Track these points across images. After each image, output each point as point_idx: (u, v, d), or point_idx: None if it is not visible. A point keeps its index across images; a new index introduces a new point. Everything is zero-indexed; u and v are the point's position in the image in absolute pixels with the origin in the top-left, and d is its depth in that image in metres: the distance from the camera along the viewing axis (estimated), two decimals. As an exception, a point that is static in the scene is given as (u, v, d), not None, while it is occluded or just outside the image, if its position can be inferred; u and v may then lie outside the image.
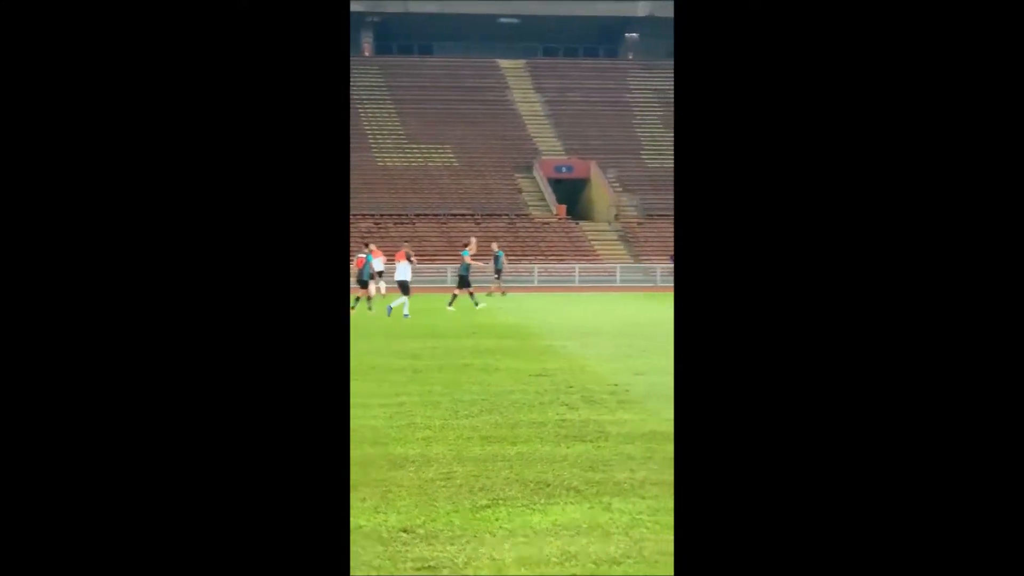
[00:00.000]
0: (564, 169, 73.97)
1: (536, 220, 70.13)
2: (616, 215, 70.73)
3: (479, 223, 67.12)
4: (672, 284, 57.12)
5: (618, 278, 62.77)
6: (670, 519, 6.32)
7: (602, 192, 72.20)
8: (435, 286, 45.22)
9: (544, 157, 75.06)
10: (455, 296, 32.30)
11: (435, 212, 67.34)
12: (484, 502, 6.77)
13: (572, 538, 5.94)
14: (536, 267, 62.10)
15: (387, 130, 70.63)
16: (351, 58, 65.16)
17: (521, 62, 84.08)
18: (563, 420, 10.07)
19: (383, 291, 32.67)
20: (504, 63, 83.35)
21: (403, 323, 25.12)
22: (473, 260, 33.22)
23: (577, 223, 70.71)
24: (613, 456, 8.28)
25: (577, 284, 60.32)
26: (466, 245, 33.96)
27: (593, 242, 68.81)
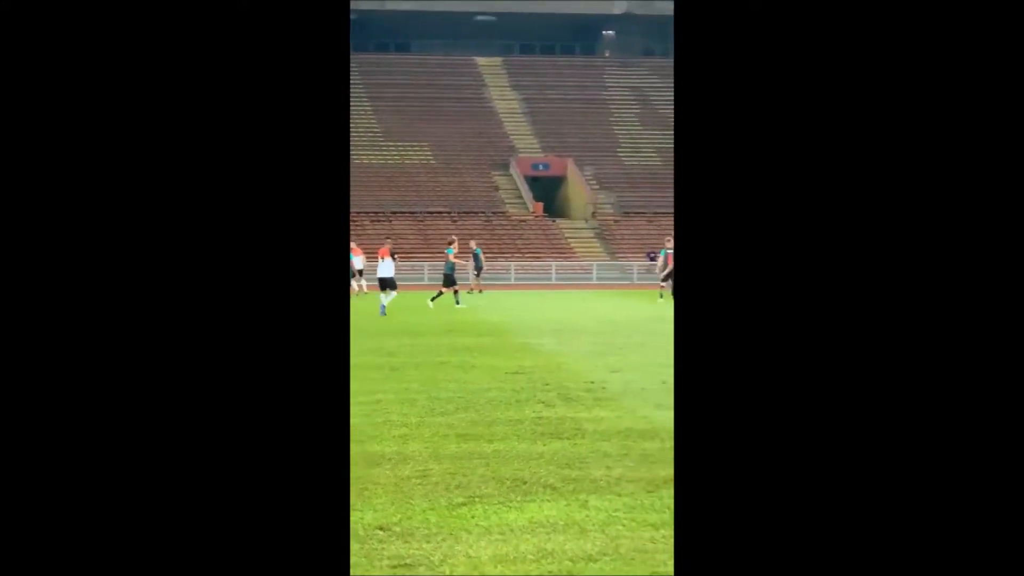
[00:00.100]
0: (541, 167, 74.00)
1: (513, 217, 70.15)
2: (593, 213, 70.79)
3: (456, 221, 67.09)
4: (648, 282, 57.21)
5: (595, 276, 62.84)
6: (646, 516, 6.33)
7: (579, 190, 72.25)
8: (412, 284, 45.17)
9: (521, 155, 75.07)
10: (440, 293, 32.33)
11: (412, 210, 67.27)
12: (460, 500, 6.77)
13: (548, 535, 5.94)
14: (513, 265, 62.13)
15: (364, 127, 70.53)
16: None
17: (498, 59, 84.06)
18: (540, 417, 10.07)
19: (364, 289, 32.65)
20: (481, 60, 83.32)
21: (379, 320, 25.08)
22: (457, 259, 33.24)
23: (554, 220, 70.75)
24: (589, 453, 8.28)
25: (554, 281, 60.37)
26: (450, 243, 33.98)
27: (570, 240, 68.87)
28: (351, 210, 62.70)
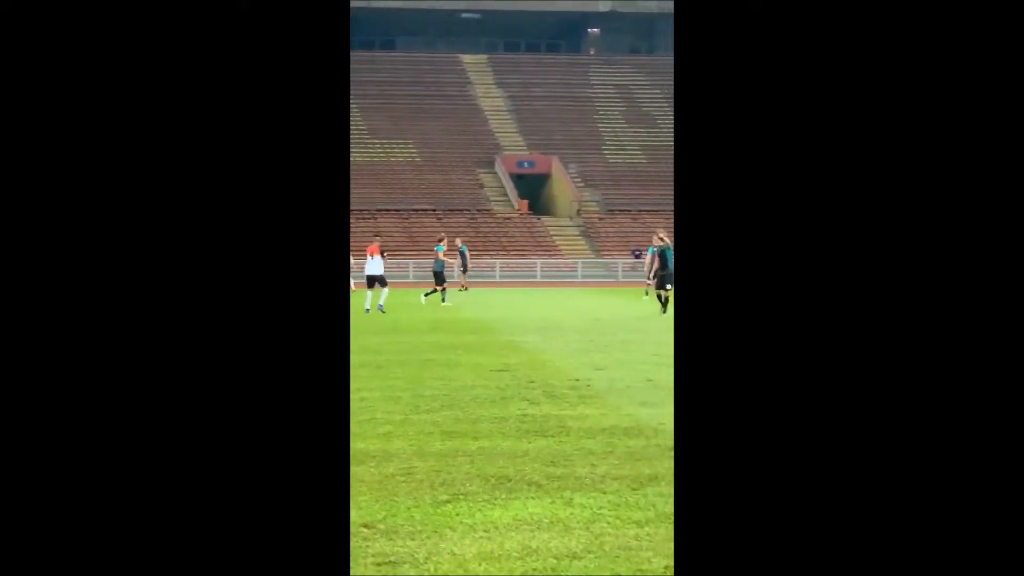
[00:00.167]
0: (526, 164, 74.04)
1: (498, 215, 70.15)
2: (578, 210, 70.83)
3: (441, 218, 67.07)
4: (632, 279, 57.25)
5: (579, 273, 62.90)
6: (631, 514, 6.33)
7: (564, 187, 72.29)
8: (397, 281, 45.14)
9: (506, 152, 75.08)
10: (435, 290, 32.39)
11: (397, 207, 67.24)
12: (445, 497, 6.76)
13: (533, 533, 5.94)
14: (498, 262, 62.14)
15: (349, 125, 70.46)
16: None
17: (483, 57, 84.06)
18: (524, 415, 10.07)
19: (352, 286, 32.61)
20: (466, 58, 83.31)
21: (364, 318, 25.07)
22: (446, 256, 33.28)
23: (539, 218, 70.77)
24: (574, 451, 8.28)
25: (539, 279, 60.40)
26: (440, 240, 34.00)
27: (555, 237, 68.90)
28: (336, 207, 62.87)
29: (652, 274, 27.39)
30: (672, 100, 78.79)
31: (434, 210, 67.68)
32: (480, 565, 5.37)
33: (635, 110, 79.65)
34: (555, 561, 5.43)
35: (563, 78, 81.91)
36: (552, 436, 8.94)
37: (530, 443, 8.63)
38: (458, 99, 78.67)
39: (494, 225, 68.50)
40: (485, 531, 5.99)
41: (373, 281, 28.67)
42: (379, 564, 5.36)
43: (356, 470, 7.49)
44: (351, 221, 62.62)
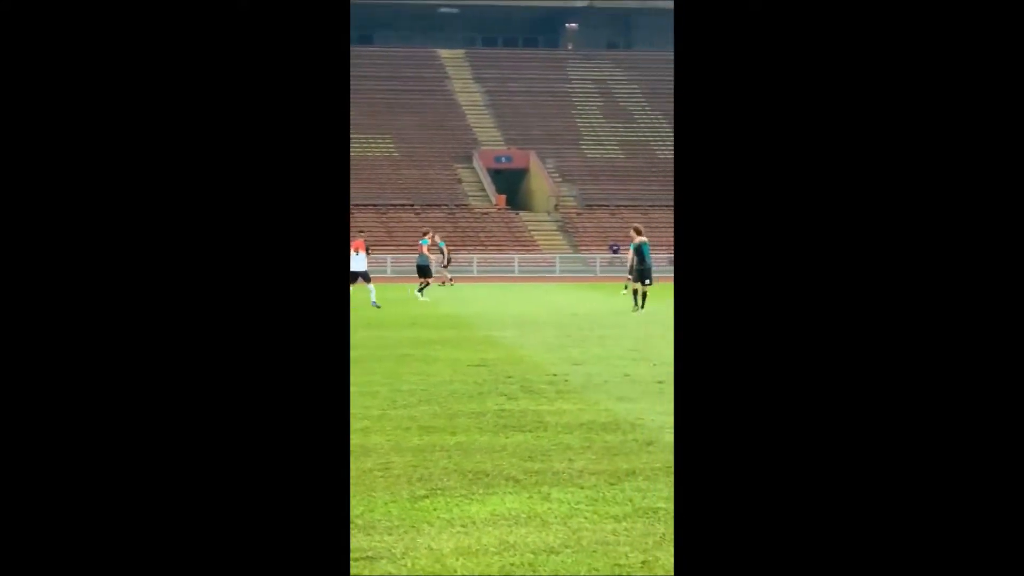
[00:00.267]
0: (503, 159, 74.04)
1: (476, 210, 70.15)
2: (556, 205, 70.87)
3: (419, 213, 67.02)
4: (610, 274, 57.31)
5: (557, 268, 62.94)
6: (608, 508, 6.34)
7: (541, 182, 72.31)
8: (375, 276, 45.07)
9: (484, 147, 75.07)
10: (427, 284, 32.42)
11: (374, 202, 67.14)
12: (422, 492, 6.76)
13: (510, 528, 5.94)
14: (475, 257, 62.13)
15: (326, 119, 70.33)
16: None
17: (461, 52, 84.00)
18: (502, 410, 10.08)
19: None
20: (444, 53, 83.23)
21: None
22: (430, 251, 33.28)
23: (516, 213, 70.79)
24: (552, 446, 8.29)
25: (516, 274, 60.42)
26: (425, 234, 34.02)
27: (532, 232, 68.92)
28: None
29: (630, 269, 27.44)
30: (649, 95, 78.77)
31: (412, 205, 67.62)
32: (457, 560, 5.37)
33: (613, 105, 79.71)
34: (532, 556, 5.43)
35: (541, 73, 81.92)
36: (529, 431, 8.94)
37: (507, 438, 8.64)
38: (436, 94, 78.60)
39: (472, 220, 68.49)
40: (462, 526, 5.99)
41: (357, 277, 28.66)
42: (356, 559, 5.36)
43: (333, 465, 7.48)
44: (328, 216, 62.69)
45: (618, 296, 32.64)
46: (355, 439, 8.52)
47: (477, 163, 73.35)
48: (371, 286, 28.64)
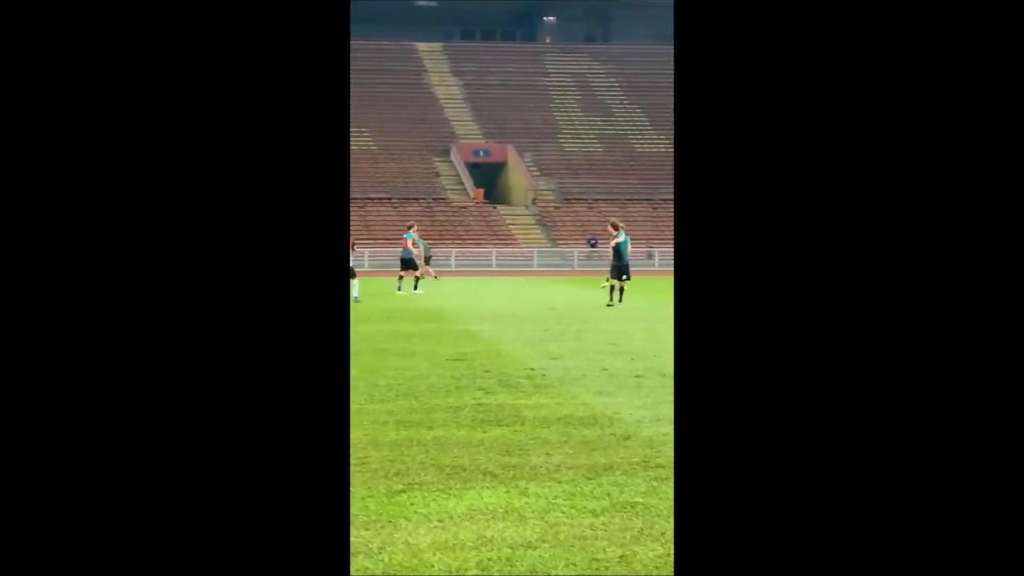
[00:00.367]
0: (481, 153, 74.03)
1: (453, 204, 70.12)
2: (533, 199, 70.89)
3: (396, 207, 66.97)
4: (588, 268, 57.39)
5: (535, 262, 62.97)
6: (585, 503, 6.34)
7: (519, 176, 72.32)
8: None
9: (461, 141, 75.04)
10: (418, 279, 32.41)
11: (352, 196, 67.05)
12: (399, 487, 6.75)
13: (487, 522, 5.94)
14: (453, 251, 62.11)
15: (303, 113, 70.27)
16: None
17: (438, 45, 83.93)
18: (479, 404, 10.07)
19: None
20: (421, 46, 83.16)
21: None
22: (414, 245, 33.25)
23: (494, 207, 70.79)
24: (529, 440, 8.29)
25: (494, 268, 60.44)
26: (410, 228, 33.99)
27: (510, 226, 68.94)
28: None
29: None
30: (627, 88, 78.95)
31: (390, 199, 67.55)
32: (435, 555, 5.37)
33: (591, 98, 79.75)
34: (510, 551, 5.43)
35: (519, 66, 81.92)
36: (507, 425, 8.94)
37: (485, 432, 8.63)
38: (414, 87, 78.51)
39: (450, 214, 68.45)
40: (440, 521, 5.98)
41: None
42: (333, 555, 5.35)
43: (310, 460, 7.46)
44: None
45: (596, 290, 32.67)
46: (332, 434, 8.51)
47: (455, 157, 73.32)
48: (355, 281, 28.65)
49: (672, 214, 71.17)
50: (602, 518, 6.01)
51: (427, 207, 67.95)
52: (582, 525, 5.88)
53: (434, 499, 6.46)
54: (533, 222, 69.32)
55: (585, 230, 66.44)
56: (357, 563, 5.25)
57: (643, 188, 70.74)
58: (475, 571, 5.15)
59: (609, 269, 27.76)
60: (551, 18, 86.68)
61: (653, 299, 29.16)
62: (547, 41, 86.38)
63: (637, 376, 12.14)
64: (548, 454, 7.75)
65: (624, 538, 5.63)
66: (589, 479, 6.95)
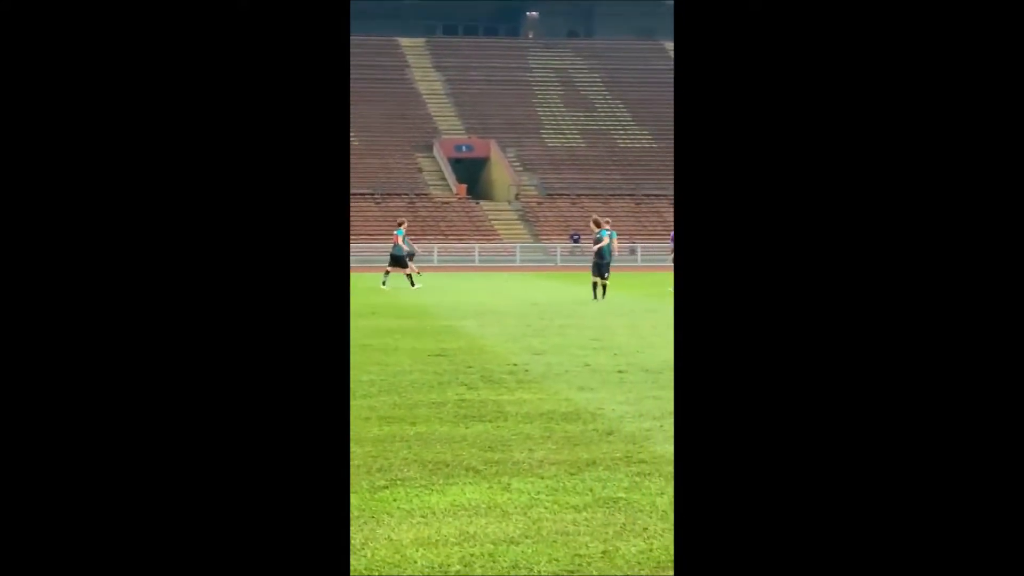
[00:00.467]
0: (464, 148, 73.99)
1: (436, 200, 70.09)
2: (516, 195, 70.89)
3: (379, 203, 66.91)
4: (571, 264, 57.38)
5: (518, 258, 62.96)
6: (568, 498, 6.35)
7: (502, 171, 72.32)
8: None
9: (444, 136, 74.99)
10: (411, 275, 32.38)
11: (334, 191, 66.86)
12: (382, 483, 6.75)
13: (470, 518, 5.94)
14: (436, 247, 62.08)
15: (286, 108, 70.07)
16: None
17: (421, 40, 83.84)
18: (462, 400, 10.07)
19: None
20: (404, 41, 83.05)
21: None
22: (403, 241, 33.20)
23: (477, 203, 70.78)
24: (512, 436, 8.29)
25: (477, 263, 60.42)
26: (400, 224, 33.93)
27: (493, 222, 68.93)
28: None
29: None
30: (610, 84, 78.90)
31: (372, 194, 67.45)
32: (417, 551, 5.37)
33: (573, 94, 79.75)
34: (492, 546, 5.43)
35: (501, 62, 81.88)
36: (490, 421, 8.94)
37: (468, 428, 8.63)
38: (396, 83, 78.42)
39: (432, 209, 68.41)
40: (422, 516, 5.98)
41: None
42: (316, 551, 5.34)
43: (293, 456, 7.45)
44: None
45: (579, 286, 32.67)
46: (315, 430, 8.50)
47: (438, 152, 73.26)
48: None
49: (654, 210, 71.10)
50: (584, 513, 6.02)
51: (410, 203, 67.89)
52: (564, 521, 5.88)
53: (417, 495, 6.46)
54: (516, 217, 69.32)
55: (568, 226, 66.46)
56: (339, 559, 5.25)
57: (625, 184, 70.80)
58: (458, 567, 5.15)
59: (591, 266, 27.84)
60: (534, 13, 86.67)
61: (636, 294, 29.19)
62: (530, 36, 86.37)
63: (620, 372, 12.16)
64: (531, 450, 7.75)
65: (606, 533, 5.64)
66: (571, 475, 6.96)
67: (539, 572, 5.09)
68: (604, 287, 26.80)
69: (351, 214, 61.81)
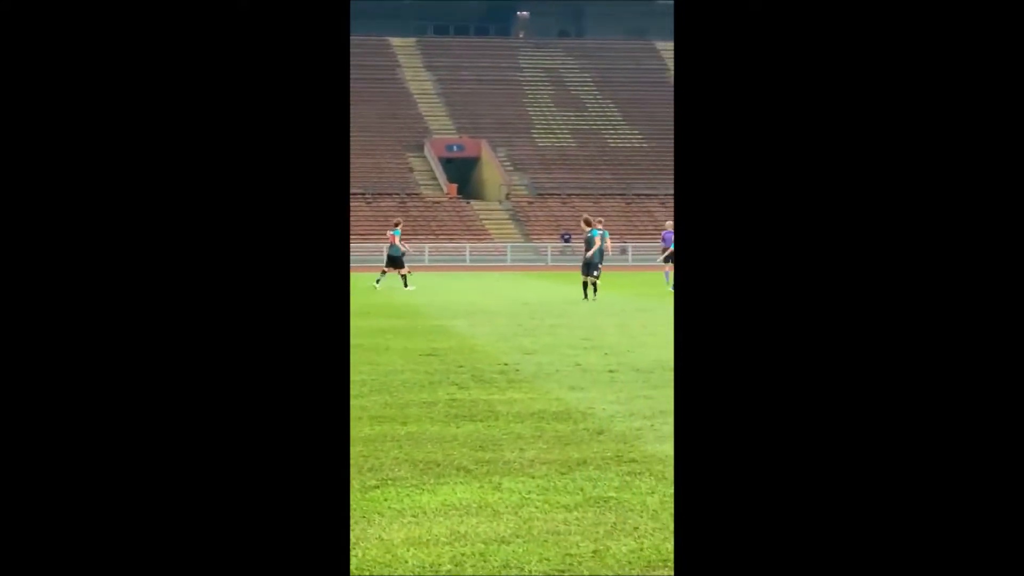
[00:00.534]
0: (455, 148, 73.98)
1: (427, 199, 70.08)
2: (507, 194, 70.90)
3: (370, 202, 66.89)
4: (562, 264, 57.39)
5: (509, 257, 62.96)
6: (559, 498, 6.35)
7: (493, 171, 72.32)
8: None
9: (435, 136, 74.98)
10: (404, 276, 32.38)
11: (325, 191, 66.84)
12: (373, 482, 6.75)
13: (461, 518, 5.94)
14: (427, 246, 62.05)
15: (276, 108, 70.03)
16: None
17: (412, 40, 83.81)
18: (453, 400, 10.07)
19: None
20: (395, 41, 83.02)
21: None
22: (401, 241, 33.18)
23: (468, 202, 70.77)
24: (503, 435, 8.29)
25: (468, 263, 60.42)
26: (396, 225, 33.91)
27: (484, 221, 68.93)
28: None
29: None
30: (600, 83, 78.85)
31: (363, 194, 67.41)
32: (408, 550, 5.37)
33: (564, 94, 79.76)
34: (483, 546, 5.44)
35: (492, 61, 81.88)
36: (481, 421, 8.95)
37: (459, 428, 8.63)
38: (387, 82, 78.38)
39: (423, 209, 68.38)
40: (413, 516, 5.98)
41: None
42: (307, 550, 5.34)
43: (284, 456, 7.45)
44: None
45: (570, 285, 32.68)
46: (306, 429, 8.50)
47: (428, 152, 73.24)
48: None
49: (645, 209, 71.06)
50: (575, 513, 6.02)
51: (400, 202, 67.85)
52: (555, 520, 5.89)
53: (407, 495, 6.46)
54: (507, 217, 69.32)
55: (559, 225, 66.47)
56: (330, 559, 5.25)
57: (616, 183, 70.80)
58: (448, 566, 5.16)
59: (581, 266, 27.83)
60: (525, 13, 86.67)
61: (626, 294, 29.21)
62: (520, 36, 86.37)
63: (610, 371, 12.16)
64: (521, 449, 7.76)
65: (597, 533, 5.64)
66: (562, 474, 6.96)
67: (530, 571, 5.09)
68: (595, 286, 26.77)
69: (342, 214, 61.51)
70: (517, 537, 5.58)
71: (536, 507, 6.16)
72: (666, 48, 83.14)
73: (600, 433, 8.36)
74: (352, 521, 5.84)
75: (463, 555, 5.31)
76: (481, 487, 6.64)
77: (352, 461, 7.31)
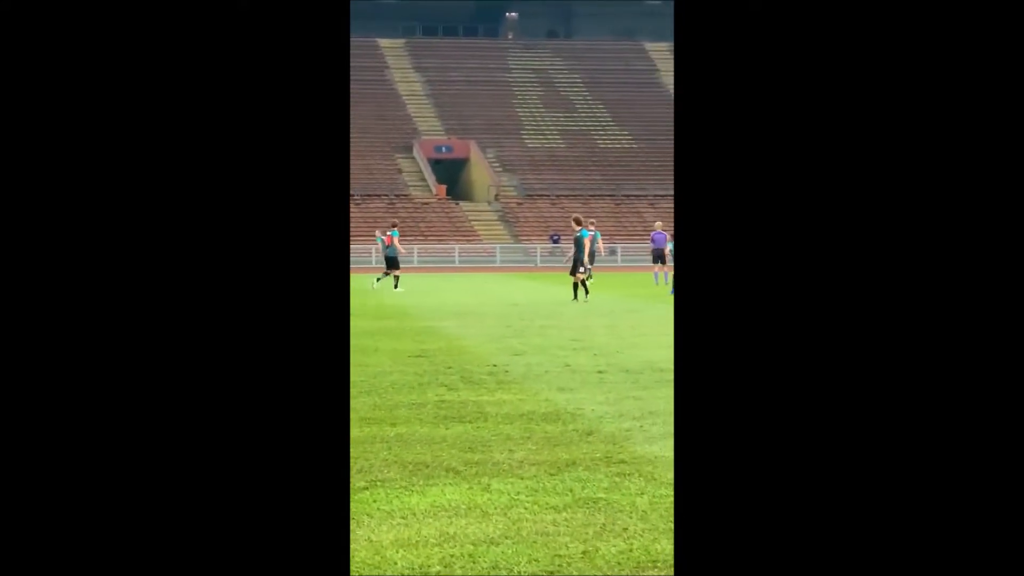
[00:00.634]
0: (444, 149, 73.99)
1: (416, 200, 70.09)
2: (496, 195, 70.92)
3: (359, 203, 66.88)
4: (551, 264, 57.39)
5: (498, 258, 62.98)
6: (548, 499, 6.35)
7: (482, 172, 72.34)
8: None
9: (424, 137, 74.98)
10: (396, 277, 32.38)
11: (314, 192, 66.84)
12: (362, 484, 6.74)
13: (450, 519, 5.94)
14: (416, 248, 62.04)
15: (265, 109, 70.03)
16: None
17: (400, 41, 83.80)
18: (442, 401, 10.07)
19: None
20: (383, 42, 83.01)
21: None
22: (399, 242, 33.21)
23: (457, 203, 70.78)
24: (492, 437, 8.29)
25: (457, 264, 60.42)
26: (394, 226, 33.92)
27: (473, 222, 68.95)
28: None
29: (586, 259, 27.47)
30: (590, 84, 78.90)
31: (352, 195, 67.37)
32: (397, 552, 5.36)
33: (553, 94, 79.80)
34: (472, 547, 5.43)
35: (481, 62, 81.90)
36: (470, 422, 8.94)
37: (448, 429, 8.63)
38: (375, 83, 78.35)
39: (412, 210, 68.38)
40: (402, 517, 5.98)
41: None
42: (295, 552, 5.33)
43: (272, 458, 7.44)
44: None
45: (560, 286, 32.69)
46: (294, 431, 8.48)
47: (417, 153, 73.23)
48: None
49: (634, 210, 71.17)
50: (564, 514, 6.02)
51: (389, 203, 67.86)
52: (544, 521, 5.88)
53: (397, 496, 6.45)
54: (496, 218, 69.34)
55: (548, 226, 66.50)
56: (319, 561, 5.24)
57: (605, 184, 70.84)
58: (438, 568, 5.15)
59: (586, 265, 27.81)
60: (513, 14, 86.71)
61: (616, 295, 29.22)
62: (509, 37, 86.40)
63: (600, 372, 12.16)
64: (511, 450, 7.75)
65: (586, 534, 5.64)
66: (551, 475, 6.96)
67: (519, 572, 5.09)
68: (587, 287, 26.76)
69: (331, 215, 61.80)
70: (506, 538, 5.57)
71: (525, 508, 6.15)
72: (655, 49, 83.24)
73: (589, 434, 8.36)
74: (341, 523, 5.84)
75: (452, 556, 5.30)
76: (470, 488, 6.64)
77: (341, 462, 7.30)
